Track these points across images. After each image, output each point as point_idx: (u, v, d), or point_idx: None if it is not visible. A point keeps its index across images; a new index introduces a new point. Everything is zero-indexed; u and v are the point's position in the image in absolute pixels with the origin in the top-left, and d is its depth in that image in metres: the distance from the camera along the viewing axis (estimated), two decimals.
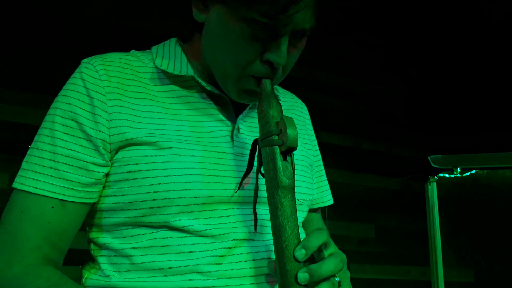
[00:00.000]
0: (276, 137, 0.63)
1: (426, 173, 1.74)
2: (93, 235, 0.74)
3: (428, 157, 1.66)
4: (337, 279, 0.64)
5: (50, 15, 2.07)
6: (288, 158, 0.64)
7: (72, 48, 2.07)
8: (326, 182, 0.98)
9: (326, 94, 2.71)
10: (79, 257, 0.79)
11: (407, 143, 2.89)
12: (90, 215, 0.74)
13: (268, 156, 0.64)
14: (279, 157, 0.63)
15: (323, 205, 0.96)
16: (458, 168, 1.66)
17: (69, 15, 2.11)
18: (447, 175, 1.76)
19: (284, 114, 0.66)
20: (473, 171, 1.81)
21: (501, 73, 2.98)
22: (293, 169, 0.64)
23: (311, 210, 0.94)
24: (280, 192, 0.62)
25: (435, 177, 1.72)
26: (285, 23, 0.65)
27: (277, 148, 0.63)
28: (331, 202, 0.98)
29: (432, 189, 1.70)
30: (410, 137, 2.91)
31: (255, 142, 0.70)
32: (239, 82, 0.71)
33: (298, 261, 0.60)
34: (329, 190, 0.98)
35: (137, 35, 2.21)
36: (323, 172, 0.97)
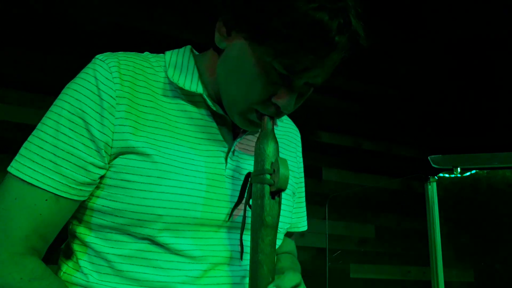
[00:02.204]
0: (268, 176, 0.66)
1: (426, 173, 1.74)
2: (79, 230, 0.75)
3: (428, 157, 1.66)
4: None
5: (50, 15, 2.07)
6: (276, 198, 0.67)
7: (72, 48, 2.07)
8: (304, 209, 1.01)
9: (327, 94, 2.71)
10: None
11: (407, 143, 2.89)
12: (79, 211, 0.75)
13: (257, 193, 0.67)
14: (267, 195, 0.66)
15: (297, 230, 1.00)
16: (458, 168, 1.66)
17: (69, 15, 2.11)
18: (447, 175, 1.76)
19: (278, 139, 0.68)
20: (473, 171, 1.81)
21: (501, 73, 2.98)
22: (279, 208, 0.67)
23: (286, 235, 0.98)
24: (263, 229, 0.65)
25: (435, 177, 1.71)
26: (300, 78, 0.68)
27: (267, 187, 0.66)
28: (305, 228, 1.02)
29: (432, 189, 1.70)
30: (410, 137, 2.91)
31: (248, 175, 0.72)
32: (244, 113, 0.74)
33: None
34: (305, 217, 1.02)
35: (139, 36, 2.21)
36: (303, 199, 1.01)
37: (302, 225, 1.00)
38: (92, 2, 2.16)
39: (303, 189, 1.00)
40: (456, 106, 3.03)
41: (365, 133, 2.78)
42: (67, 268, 0.74)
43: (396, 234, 2.72)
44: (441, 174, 1.75)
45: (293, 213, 0.96)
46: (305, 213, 1.01)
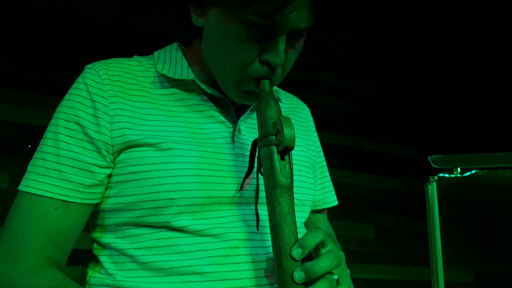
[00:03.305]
0: (273, 137, 0.64)
1: (426, 173, 1.74)
2: (96, 235, 0.75)
3: (428, 157, 1.66)
4: (335, 277, 0.64)
5: (50, 15, 2.07)
6: (286, 157, 0.65)
7: (72, 48, 2.07)
8: (330, 183, 0.98)
9: (327, 94, 2.72)
10: (82, 257, 0.80)
11: (407, 143, 2.89)
12: (93, 216, 0.75)
13: (266, 156, 0.65)
14: (276, 156, 0.64)
15: (327, 206, 0.96)
16: (458, 168, 1.66)
17: (70, 15, 2.11)
18: (447, 175, 1.76)
19: (286, 115, 0.67)
20: (473, 171, 1.81)
21: (501, 73, 2.98)
22: (291, 168, 0.65)
23: (316, 211, 0.95)
24: (277, 191, 0.63)
25: (435, 177, 1.72)
26: (281, 23, 0.66)
27: (274, 148, 0.64)
28: (336, 203, 0.98)
29: (432, 189, 1.70)
30: (410, 137, 2.91)
31: (254, 143, 0.71)
32: (240, 83, 0.72)
33: (295, 260, 0.61)
34: (333, 191, 0.98)
35: (139, 36, 2.21)
36: (327, 174, 0.98)
37: (332, 200, 0.97)
38: (92, 2, 2.16)
39: (325, 163, 0.98)
40: (456, 106, 3.03)
41: (365, 133, 2.78)
42: (92, 273, 0.74)
43: (396, 234, 2.72)
44: (441, 174, 1.75)
45: (318, 189, 0.94)
46: (332, 188, 0.98)
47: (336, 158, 2.63)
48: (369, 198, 2.71)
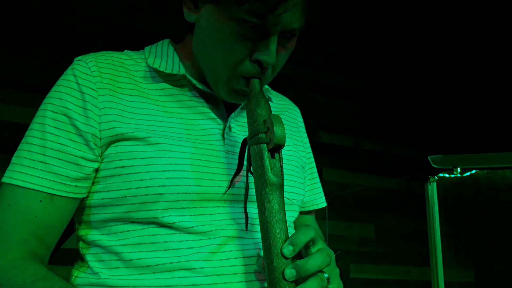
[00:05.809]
0: (263, 135, 0.64)
1: (426, 173, 1.74)
2: (82, 232, 0.74)
3: (428, 157, 1.66)
4: (326, 275, 0.64)
5: (50, 15, 2.07)
6: (276, 155, 0.65)
7: (72, 48, 2.07)
8: (319, 185, 0.98)
9: (327, 94, 2.71)
10: (73, 257, 0.79)
11: (407, 143, 2.89)
12: (79, 212, 0.74)
13: (256, 154, 0.64)
14: (266, 154, 0.63)
15: (316, 207, 0.96)
16: (458, 168, 1.66)
17: (69, 15, 2.11)
18: (447, 175, 1.76)
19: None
20: (473, 171, 1.81)
21: (501, 73, 2.98)
22: (281, 166, 0.64)
23: (305, 213, 0.95)
24: (267, 189, 0.62)
25: (435, 177, 1.71)
26: (274, 22, 0.66)
27: (264, 146, 0.64)
28: (324, 204, 0.98)
29: (432, 189, 1.70)
30: (410, 137, 2.91)
31: (244, 141, 0.70)
32: (229, 82, 0.72)
33: (286, 258, 0.60)
34: (322, 193, 0.98)
35: (137, 35, 2.21)
36: (316, 175, 0.98)
37: (320, 202, 0.97)
38: (92, 2, 2.16)
39: (314, 164, 0.97)
40: (456, 106, 3.03)
41: (365, 133, 2.78)
42: (78, 273, 0.72)
43: (396, 234, 2.72)
44: (441, 174, 1.75)
45: (307, 190, 0.94)
46: (321, 189, 0.98)
47: (336, 158, 2.63)
48: (369, 198, 2.71)
